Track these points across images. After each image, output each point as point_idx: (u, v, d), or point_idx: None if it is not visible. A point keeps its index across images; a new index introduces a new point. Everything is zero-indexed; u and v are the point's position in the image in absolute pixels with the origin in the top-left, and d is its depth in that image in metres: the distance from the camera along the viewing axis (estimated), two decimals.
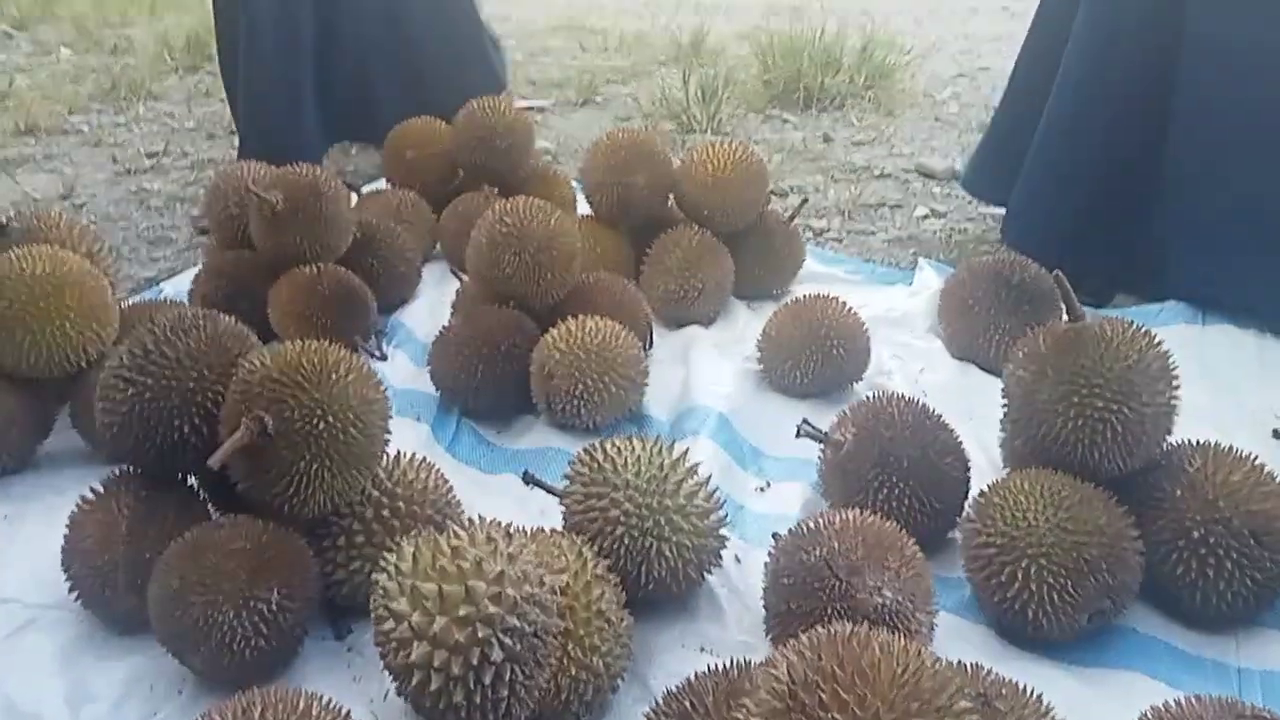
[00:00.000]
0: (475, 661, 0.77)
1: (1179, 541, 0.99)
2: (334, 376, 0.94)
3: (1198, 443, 1.05)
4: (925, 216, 2.16)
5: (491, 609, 0.78)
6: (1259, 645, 0.98)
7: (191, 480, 1.06)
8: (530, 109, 2.97)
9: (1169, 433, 1.03)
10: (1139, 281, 1.68)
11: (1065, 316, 1.04)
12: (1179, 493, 1.00)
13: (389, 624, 0.79)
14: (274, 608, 0.89)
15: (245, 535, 0.92)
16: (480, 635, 0.77)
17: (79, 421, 1.25)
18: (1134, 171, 1.63)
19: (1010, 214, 1.81)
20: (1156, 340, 1.02)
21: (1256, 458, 1.03)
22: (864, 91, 3.05)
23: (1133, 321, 1.03)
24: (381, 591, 0.80)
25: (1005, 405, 1.08)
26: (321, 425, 0.92)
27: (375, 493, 1.00)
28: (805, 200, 1.82)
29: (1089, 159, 1.66)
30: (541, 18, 4.82)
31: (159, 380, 0.98)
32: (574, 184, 1.95)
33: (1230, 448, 1.04)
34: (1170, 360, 1.02)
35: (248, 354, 1.00)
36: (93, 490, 1.01)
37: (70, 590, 0.99)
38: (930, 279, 1.75)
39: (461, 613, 0.77)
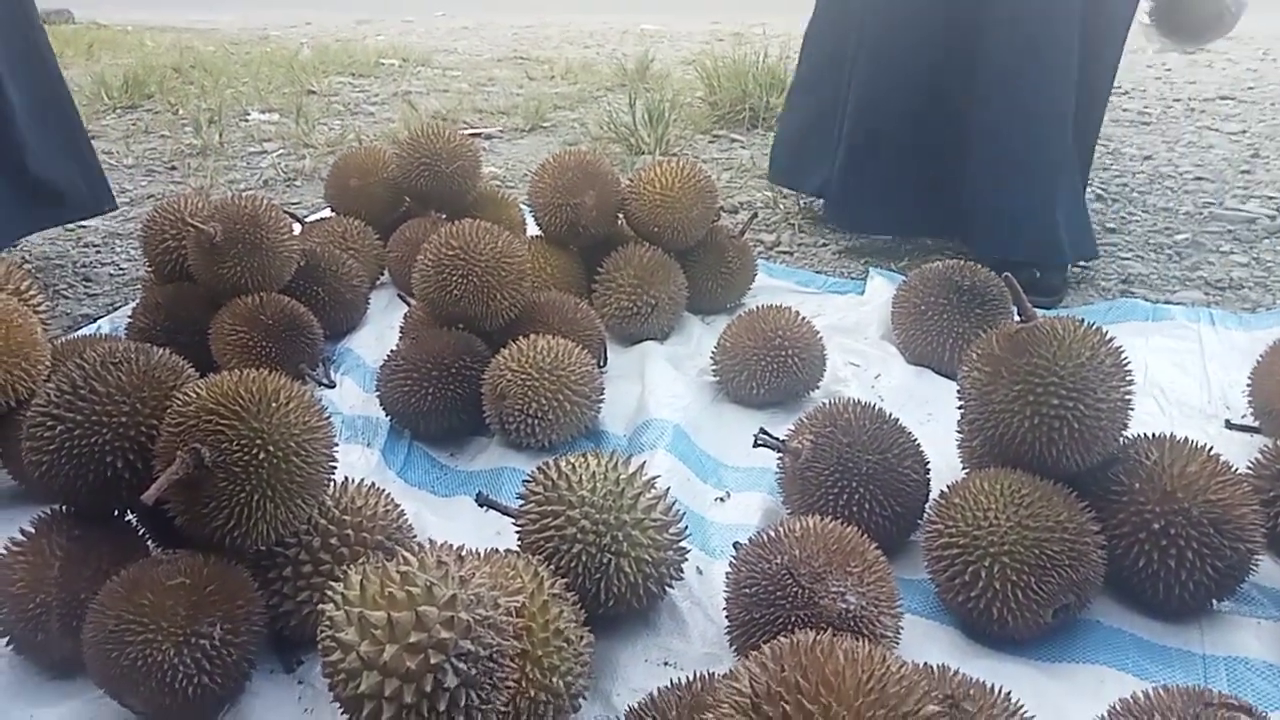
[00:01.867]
0: (429, 689, 0.73)
1: (1139, 534, 0.98)
2: (273, 405, 0.91)
3: (1154, 436, 1.05)
4: None
5: (444, 634, 0.75)
6: (1222, 632, 0.98)
7: (130, 517, 1.02)
8: (477, 135, 2.96)
9: (1125, 427, 1.03)
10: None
11: (1017, 317, 1.04)
12: (1137, 485, 1.00)
13: (336, 655, 0.75)
14: (217, 643, 0.86)
15: (184, 570, 0.89)
16: (433, 662, 0.74)
17: (8, 462, 1.20)
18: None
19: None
20: (1108, 337, 1.02)
21: (1211, 448, 1.03)
22: None
23: (1083, 319, 1.03)
24: (328, 622, 0.77)
25: (961, 407, 1.07)
26: (261, 455, 0.89)
27: (322, 521, 0.97)
28: (755, 215, 1.82)
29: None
30: (487, 49, 4.84)
31: (89, 416, 0.95)
32: (522, 207, 1.94)
33: (1185, 439, 1.04)
34: (1123, 356, 1.02)
35: (183, 386, 0.97)
36: (22, 531, 0.97)
37: (0, 636, 0.95)
38: (881, 287, 1.75)
39: (412, 639, 0.74)
